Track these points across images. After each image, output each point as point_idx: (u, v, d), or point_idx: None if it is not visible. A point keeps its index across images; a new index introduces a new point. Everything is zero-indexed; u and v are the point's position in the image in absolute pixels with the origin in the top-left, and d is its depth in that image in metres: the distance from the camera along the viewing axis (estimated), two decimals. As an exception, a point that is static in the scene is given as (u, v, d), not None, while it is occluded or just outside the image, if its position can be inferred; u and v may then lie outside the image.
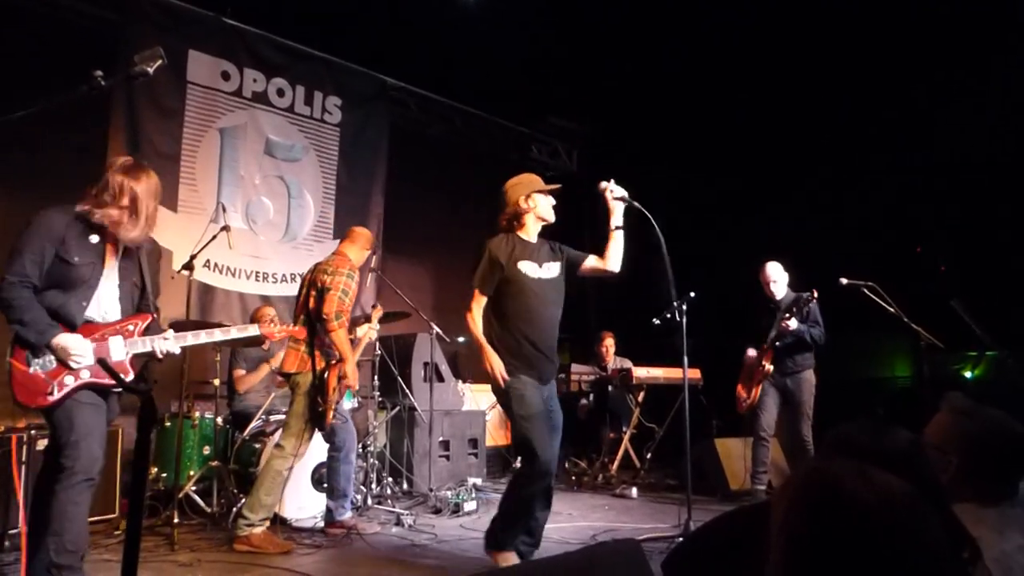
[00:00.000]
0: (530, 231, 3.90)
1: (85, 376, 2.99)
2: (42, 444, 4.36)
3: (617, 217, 3.89)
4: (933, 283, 5.29)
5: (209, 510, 4.99)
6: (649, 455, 7.30)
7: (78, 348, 2.97)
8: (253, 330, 3.80)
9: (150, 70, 2.42)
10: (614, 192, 3.88)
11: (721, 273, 7.82)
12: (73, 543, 2.89)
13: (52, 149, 5.70)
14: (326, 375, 4.44)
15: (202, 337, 3.44)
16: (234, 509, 4.70)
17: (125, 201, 3.03)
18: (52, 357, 2.94)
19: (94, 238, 3.07)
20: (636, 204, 3.90)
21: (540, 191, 3.91)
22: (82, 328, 3.05)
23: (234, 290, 6.68)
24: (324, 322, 4.37)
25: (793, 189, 7.93)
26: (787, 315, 5.69)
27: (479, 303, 3.80)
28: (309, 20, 7.22)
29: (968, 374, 7.62)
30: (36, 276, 2.95)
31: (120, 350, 3.12)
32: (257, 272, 6.86)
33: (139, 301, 3.30)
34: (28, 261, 2.93)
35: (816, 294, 5.70)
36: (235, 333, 3.70)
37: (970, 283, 6.65)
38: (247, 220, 6.85)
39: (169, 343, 3.21)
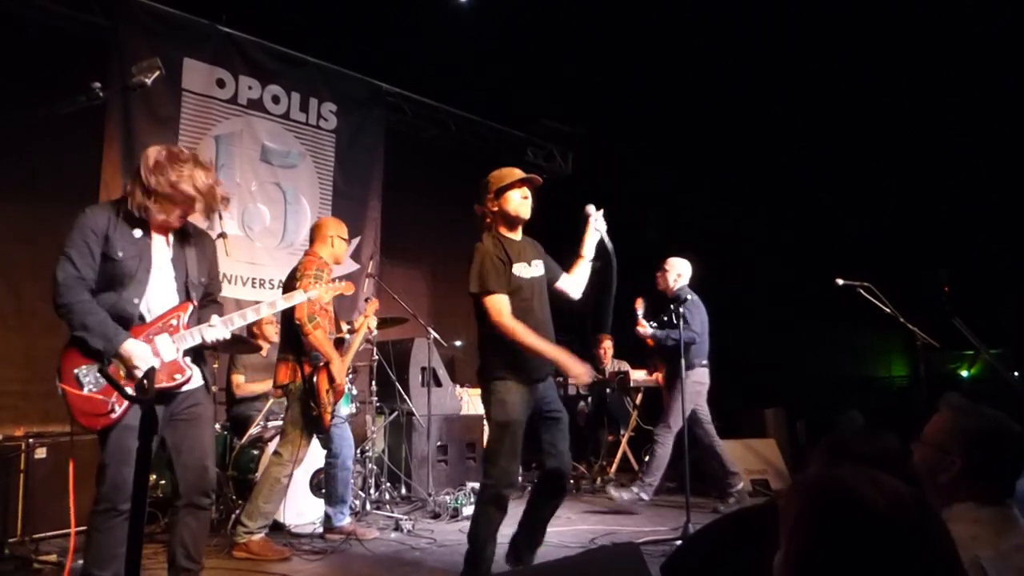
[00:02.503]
0: (508, 230, 3.65)
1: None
2: (40, 453, 4.38)
3: (590, 247, 3.79)
4: (936, 300, 5.33)
5: (208, 517, 4.98)
6: (647, 458, 7.30)
7: (142, 355, 2.80)
8: (299, 296, 3.69)
9: (148, 81, 2.42)
10: (597, 222, 3.78)
11: (717, 274, 7.84)
12: (96, 566, 2.76)
13: (46, 157, 5.71)
14: (315, 379, 4.44)
15: (249, 316, 3.23)
16: (233, 516, 4.69)
17: (139, 189, 2.86)
18: (98, 375, 2.77)
19: (137, 232, 2.91)
20: (608, 244, 3.78)
21: (508, 186, 3.59)
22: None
23: (231, 297, 6.67)
24: (299, 328, 4.34)
25: (790, 190, 7.95)
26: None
27: (506, 304, 3.45)
28: (303, 26, 7.23)
29: (964, 373, 7.66)
30: (91, 277, 2.81)
31: (169, 349, 2.92)
32: (254, 279, 6.86)
33: (202, 297, 3.13)
34: (79, 262, 2.78)
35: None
36: (281, 304, 3.59)
37: (971, 281, 6.70)
38: (243, 227, 6.85)
39: (217, 329, 3.01)
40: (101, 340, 2.75)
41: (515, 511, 3.65)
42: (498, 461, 3.42)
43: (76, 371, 2.76)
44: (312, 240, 4.84)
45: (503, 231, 3.64)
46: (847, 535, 0.99)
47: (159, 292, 2.96)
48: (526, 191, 3.63)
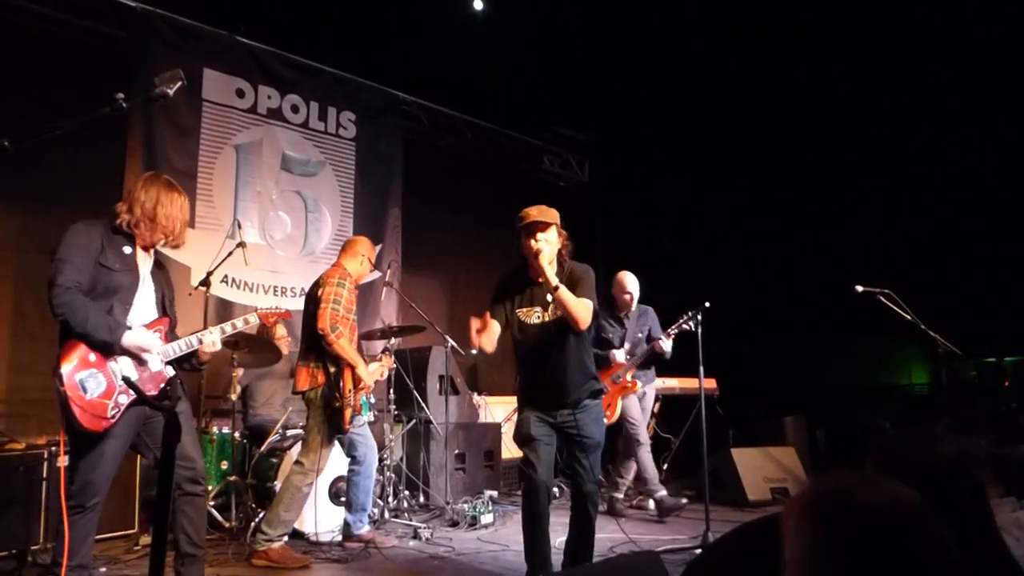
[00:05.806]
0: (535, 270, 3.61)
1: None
2: (64, 460, 4.42)
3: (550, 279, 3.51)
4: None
5: (227, 525, 5.01)
6: (666, 466, 7.27)
7: (148, 339, 3.08)
8: (253, 318, 3.80)
9: (170, 92, 2.47)
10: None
11: (734, 281, 7.80)
12: (68, 556, 2.90)
13: (69, 168, 5.77)
14: (341, 379, 4.45)
15: (238, 324, 3.56)
16: (252, 524, 4.72)
17: (138, 210, 3.16)
18: (102, 377, 2.96)
19: (127, 248, 3.16)
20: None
21: (518, 232, 3.60)
22: None
23: (252, 305, 6.71)
24: (323, 338, 4.37)
25: (806, 197, 7.91)
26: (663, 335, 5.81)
27: (485, 319, 3.62)
28: (320, 37, 7.30)
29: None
30: (86, 282, 3.00)
31: (155, 359, 3.17)
32: (275, 287, 6.90)
33: (170, 309, 3.38)
34: (75, 269, 2.98)
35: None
36: (253, 319, 3.78)
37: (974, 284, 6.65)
38: (264, 235, 6.90)
39: (213, 334, 3.33)
40: (106, 332, 2.96)
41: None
42: (524, 471, 3.60)
43: (78, 376, 2.93)
44: (343, 252, 4.90)
45: (531, 272, 3.67)
46: (845, 536, 0.98)
47: (143, 304, 3.20)
48: (536, 236, 3.53)
